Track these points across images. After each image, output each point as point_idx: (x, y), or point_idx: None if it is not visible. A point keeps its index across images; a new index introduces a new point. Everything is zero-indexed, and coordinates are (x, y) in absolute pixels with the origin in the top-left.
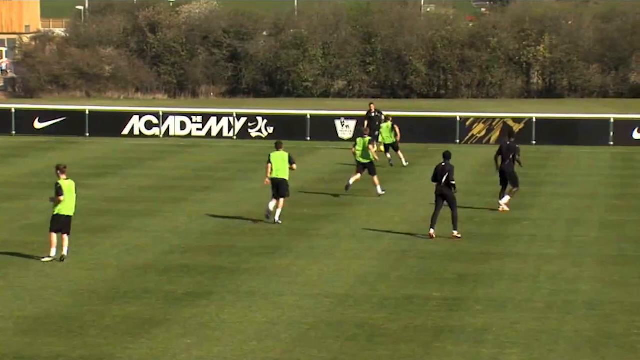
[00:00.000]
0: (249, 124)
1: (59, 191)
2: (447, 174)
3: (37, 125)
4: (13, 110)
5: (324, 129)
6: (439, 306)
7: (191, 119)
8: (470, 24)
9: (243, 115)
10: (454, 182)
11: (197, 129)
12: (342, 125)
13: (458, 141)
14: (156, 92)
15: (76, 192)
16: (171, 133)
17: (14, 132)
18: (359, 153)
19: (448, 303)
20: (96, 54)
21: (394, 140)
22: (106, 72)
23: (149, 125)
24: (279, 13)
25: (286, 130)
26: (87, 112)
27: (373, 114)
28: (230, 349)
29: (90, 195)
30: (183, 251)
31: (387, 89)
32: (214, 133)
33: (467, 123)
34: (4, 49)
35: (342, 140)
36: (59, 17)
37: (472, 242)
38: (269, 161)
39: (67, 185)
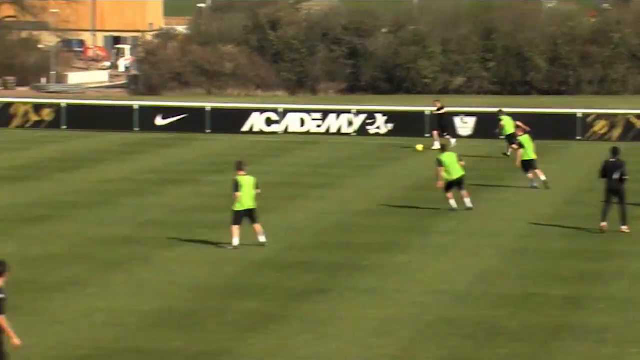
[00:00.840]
0: (368, 121)
1: (236, 187)
2: (620, 170)
3: (159, 122)
4: (136, 107)
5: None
6: (558, 304)
7: (310, 116)
8: (593, 20)
9: (362, 112)
10: (626, 178)
11: (317, 126)
12: (462, 122)
13: (579, 138)
14: (276, 89)
15: (256, 187)
16: (290, 130)
17: (136, 129)
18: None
19: (568, 301)
20: (217, 51)
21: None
22: (227, 70)
23: (268, 122)
24: (398, 10)
25: (405, 126)
26: (208, 109)
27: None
28: (349, 346)
29: (209, 192)
30: (301, 248)
31: (507, 86)
32: (333, 130)
33: (589, 120)
34: (127, 47)
35: (460, 137)
36: (181, 15)
37: (593, 240)
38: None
39: (247, 180)
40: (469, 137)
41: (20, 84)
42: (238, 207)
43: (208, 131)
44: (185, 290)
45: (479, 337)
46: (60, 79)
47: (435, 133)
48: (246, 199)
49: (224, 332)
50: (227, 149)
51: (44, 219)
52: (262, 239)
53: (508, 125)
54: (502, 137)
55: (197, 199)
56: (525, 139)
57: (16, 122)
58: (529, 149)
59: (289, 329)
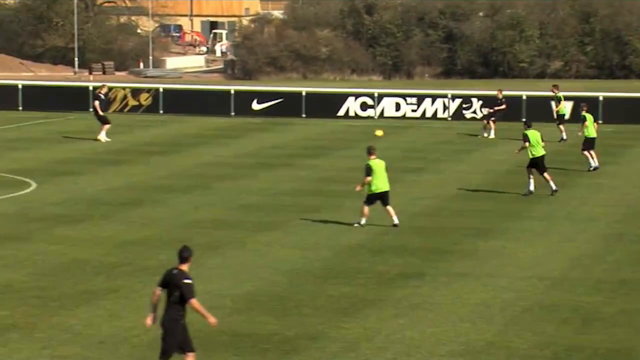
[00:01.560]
0: (464, 105)
1: (368, 171)
2: None
3: (255, 106)
4: (232, 92)
5: (540, 109)
6: None
7: (406, 100)
8: None
9: (458, 96)
10: None
11: (412, 110)
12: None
13: None
14: (371, 73)
15: (386, 170)
16: (386, 114)
17: (232, 113)
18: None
19: None
20: (313, 35)
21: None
22: (322, 54)
23: (364, 106)
24: None
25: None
26: (304, 94)
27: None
28: (443, 330)
29: (304, 176)
30: (395, 232)
31: (605, 70)
32: (429, 114)
33: None
34: (224, 32)
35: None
36: None
37: None
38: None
39: (378, 164)
40: (567, 121)
41: (118, 68)
42: (373, 190)
43: (303, 115)
44: (279, 274)
45: (575, 323)
46: (158, 63)
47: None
48: (380, 181)
49: (318, 316)
50: (322, 133)
51: (140, 203)
52: (395, 220)
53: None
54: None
55: (292, 183)
56: (589, 116)
57: (114, 106)
58: (590, 127)
59: (383, 313)
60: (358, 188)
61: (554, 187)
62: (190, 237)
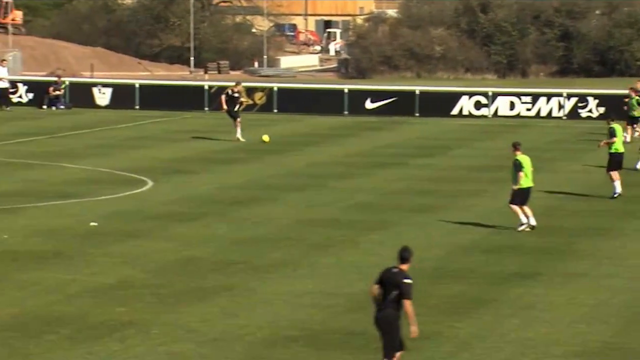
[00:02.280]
0: (579, 104)
1: (518, 167)
2: None
3: (369, 105)
4: (346, 91)
5: None
6: None
7: (520, 99)
8: None
9: (573, 95)
10: None
11: (526, 109)
12: None
13: None
14: (485, 72)
15: (532, 166)
16: (500, 113)
17: (346, 112)
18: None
19: None
20: (427, 34)
21: None
22: (437, 53)
23: (478, 105)
24: None
25: (618, 110)
26: (417, 93)
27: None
28: (559, 331)
29: (417, 175)
30: (509, 232)
31: None
32: (543, 113)
33: None
34: (338, 31)
35: None
36: None
37: None
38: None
39: (526, 159)
40: None
41: (233, 67)
42: (522, 185)
43: (417, 114)
44: None
45: None
46: (272, 62)
47: None
48: (528, 177)
49: (431, 315)
50: (435, 132)
51: (254, 201)
52: (532, 221)
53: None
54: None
55: (404, 182)
56: (617, 126)
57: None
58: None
59: (497, 313)
60: (515, 187)
61: (618, 190)
62: (304, 236)
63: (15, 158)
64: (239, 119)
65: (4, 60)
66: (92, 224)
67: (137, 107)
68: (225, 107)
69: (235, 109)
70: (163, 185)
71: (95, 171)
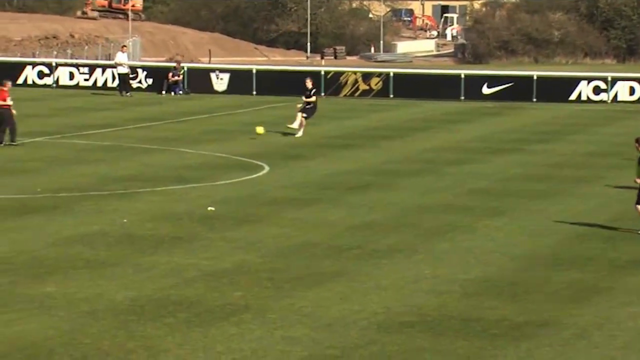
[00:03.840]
0: None
1: None
2: None
3: (485, 90)
4: (462, 76)
5: None
6: None
7: None
8: None
9: None
10: None
11: None
12: None
13: None
14: (605, 57)
15: None
16: (619, 98)
17: (462, 98)
18: None
19: None
20: (545, 19)
21: None
22: (555, 37)
23: (596, 90)
24: None
25: None
26: (535, 78)
27: None
28: None
29: (534, 161)
30: (629, 218)
31: None
32: None
33: None
34: (455, 16)
35: None
36: None
37: None
38: None
39: None
40: None
41: (349, 53)
42: None
43: (534, 100)
44: (508, 259)
45: None
46: (389, 48)
47: None
48: None
49: (547, 303)
50: (553, 117)
51: (369, 187)
52: None
53: None
54: None
55: (521, 167)
56: None
57: (345, 90)
58: None
59: (614, 301)
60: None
61: None
62: (419, 222)
63: (135, 143)
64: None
65: (124, 46)
66: (209, 208)
67: (254, 92)
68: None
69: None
70: (279, 171)
71: (213, 156)
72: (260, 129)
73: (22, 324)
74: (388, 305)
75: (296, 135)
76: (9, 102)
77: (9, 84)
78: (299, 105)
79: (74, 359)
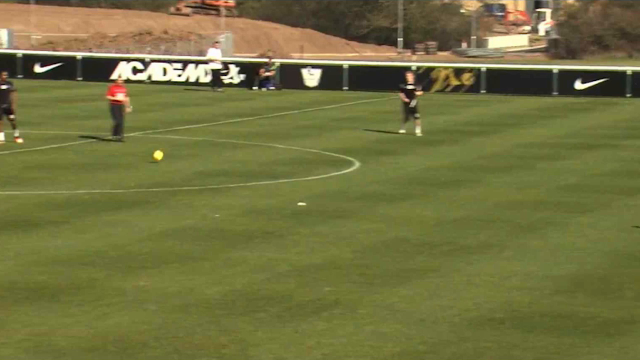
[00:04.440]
0: None
1: None
2: None
3: (578, 86)
4: (555, 71)
5: None
6: None
7: None
8: None
9: None
10: None
11: None
12: None
13: None
14: None
15: None
16: None
17: (555, 93)
18: None
19: None
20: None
21: None
22: None
23: None
24: None
25: None
26: (629, 73)
27: None
28: None
29: (627, 157)
30: None
31: None
32: None
33: None
34: (548, 11)
35: None
36: None
37: None
38: None
39: None
40: None
41: (441, 48)
42: None
43: (628, 95)
44: (600, 255)
45: None
46: (480, 43)
47: None
48: None
49: (638, 300)
50: None
51: (460, 183)
52: None
53: None
54: None
55: (614, 163)
56: None
57: (437, 86)
58: None
59: None
60: None
61: None
62: (510, 218)
63: (226, 138)
64: (416, 115)
65: (216, 42)
66: (300, 204)
67: (345, 88)
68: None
69: (413, 104)
70: (369, 166)
71: (304, 151)
72: (158, 154)
73: (115, 318)
74: (479, 301)
75: (417, 134)
76: (119, 97)
77: (121, 79)
78: (408, 105)
79: (166, 352)
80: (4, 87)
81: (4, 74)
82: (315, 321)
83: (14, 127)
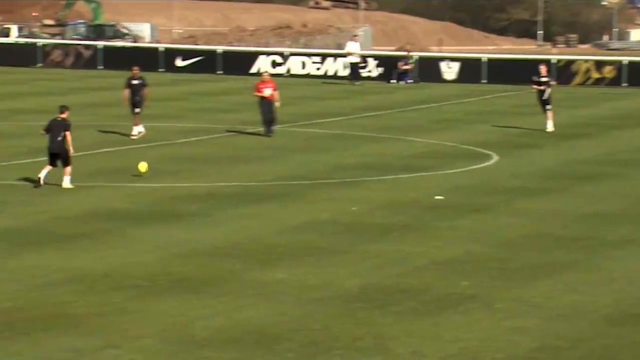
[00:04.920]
0: None
1: None
2: None
3: None
4: None
5: None
6: None
7: None
8: None
9: None
10: None
11: None
12: None
13: None
14: None
15: None
16: None
17: None
18: None
19: None
20: None
21: None
22: None
23: None
24: None
25: None
26: None
27: None
28: None
29: None
30: None
31: None
32: None
33: None
34: None
35: None
36: None
37: None
38: None
39: None
40: None
41: (582, 41)
42: None
43: None
44: None
45: None
46: (622, 35)
47: None
48: None
49: None
50: None
51: (600, 177)
52: None
53: None
54: None
55: None
56: None
57: (577, 79)
58: None
59: None
60: None
61: None
62: None
63: (364, 131)
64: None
65: (355, 35)
66: (437, 197)
67: (484, 81)
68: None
69: (546, 95)
70: (508, 160)
71: (441, 145)
72: (142, 166)
73: (253, 309)
74: (619, 297)
75: (548, 130)
76: (266, 93)
77: (267, 74)
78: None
79: (302, 344)
80: (135, 82)
81: (136, 69)
82: (452, 315)
83: (136, 124)
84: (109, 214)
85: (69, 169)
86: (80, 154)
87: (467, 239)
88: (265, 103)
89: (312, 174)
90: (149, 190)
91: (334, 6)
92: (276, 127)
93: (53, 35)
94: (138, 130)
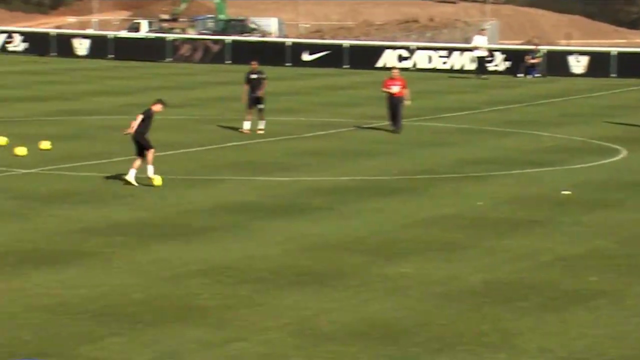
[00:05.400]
0: None
1: None
2: None
3: None
4: None
5: None
6: None
7: None
8: None
9: None
10: None
11: None
12: None
13: None
14: None
15: None
16: None
17: None
18: None
19: None
20: None
21: None
22: None
23: None
24: None
25: None
26: None
27: None
28: None
29: None
30: None
31: None
32: None
33: None
34: None
35: None
36: None
37: None
38: None
39: None
40: None
41: None
42: None
43: None
44: None
45: None
46: None
47: None
48: None
49: None
50: None
51: None
52: None
53: None
54: None
55: None
56: None
57: None
58: None
59: None
60: None
61: None
62: None
63: (490, 126)
64: None
65: (482, 29)
66: (564, 192)
67: (614, 75)
68: None
69: None
70: (637, 155)
71: (569, 139)
72: (157, 180)
73: (378, 304)
74: None
75: None
76: (394, 90)
77: (397, 71)
78: None
79: (427, 339)
80: (254, 76)
81: (254, 63)
82: (578, 311)
83: (261, 118)
84: (236, 207)
85: (150, 156)
86: (209, 147)
87: (594, 234)
88: (393, 100)
89: (438, 168)
90: (275, 184)
91: (461, 0)
92: (404, 122)
93: (183, 30)
94: (262, 125)
